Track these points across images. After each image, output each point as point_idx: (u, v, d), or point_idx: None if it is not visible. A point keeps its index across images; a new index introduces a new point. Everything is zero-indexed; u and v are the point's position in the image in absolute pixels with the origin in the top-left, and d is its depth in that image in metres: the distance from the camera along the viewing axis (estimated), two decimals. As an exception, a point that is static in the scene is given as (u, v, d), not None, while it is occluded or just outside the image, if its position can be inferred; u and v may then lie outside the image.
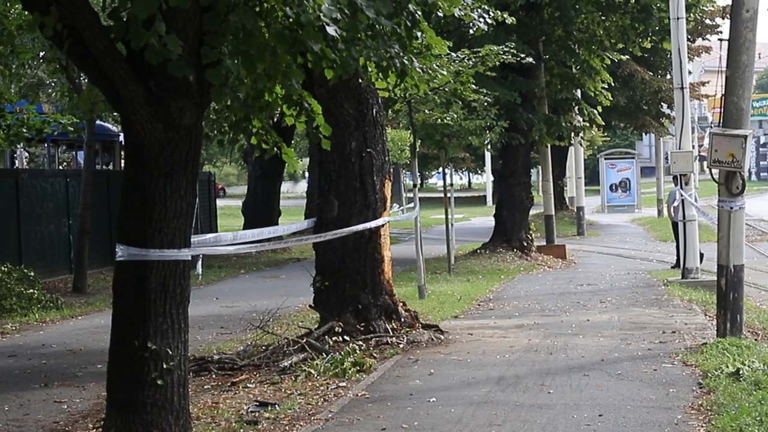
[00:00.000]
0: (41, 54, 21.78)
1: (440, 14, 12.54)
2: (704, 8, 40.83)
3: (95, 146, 28.23)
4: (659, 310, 20.53)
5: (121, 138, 32.71)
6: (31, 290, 22.58)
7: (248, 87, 9.87)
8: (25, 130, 23.98)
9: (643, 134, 70.83)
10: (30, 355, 17.16)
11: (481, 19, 15.15)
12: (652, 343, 16.32)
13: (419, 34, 11.45)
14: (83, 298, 24.24)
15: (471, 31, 16.02)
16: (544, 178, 40.76)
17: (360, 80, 14.73)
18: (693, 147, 26.02)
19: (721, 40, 17.68)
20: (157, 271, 9.33)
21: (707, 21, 45.73)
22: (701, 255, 29.48)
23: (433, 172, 54.92)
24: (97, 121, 25.58)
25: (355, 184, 16.65)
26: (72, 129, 28.71)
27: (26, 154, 37.66)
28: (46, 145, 36.31)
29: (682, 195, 25.84)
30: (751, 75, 16.42)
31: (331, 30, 9.26)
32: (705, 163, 19.14)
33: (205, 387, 13.42)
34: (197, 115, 9.63)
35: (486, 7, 15.08)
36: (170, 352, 9.34)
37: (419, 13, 10.89)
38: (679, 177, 26.17)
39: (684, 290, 23.46)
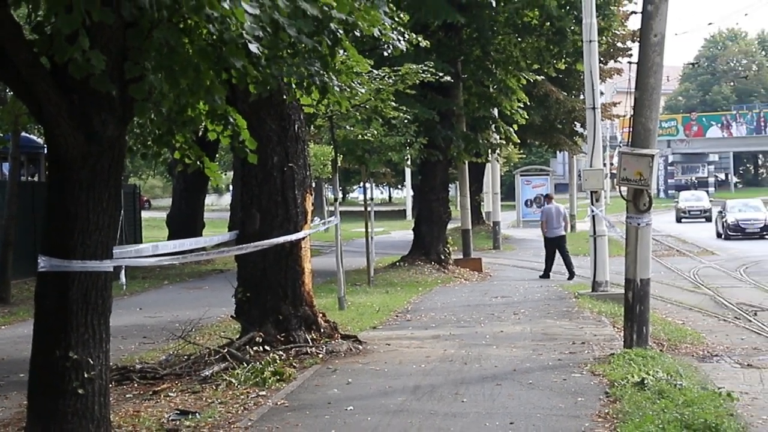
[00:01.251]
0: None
1: (359, 33, 12.59)
2: (616, 32, 41.27)
3: (20, 158, 28.02)
4: (570, 321, 20.71)
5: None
6: (-45, 300, 22.35)
7: (171, 102, 9.85)
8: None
9: (557, 152, 71.46)
10: (-47, 363, 17.03)
11: (401, 39, 15.23)
12: (563, 354, 16.47)
13: (341, 52, 11.50)
14: (6, 308, 24.05)
15: (387, 52, 16.03)
16: (462, 193, 40.99)
17: (284, 96, 14.74)
18: (604, 165, 26.32)
19: (630, 62, 18.13)
20: (79, 282, 9.27)
21: (618, 44, 46.26)
22: (572, 274, 30.46)
23: (355, 187, 55.14)
24: (23, 134, 25.36)
25: (277, 198, 16.66)
26: (-1, 141, 28.62)
27: (-47, 166, 37.31)
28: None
29: (593, 211, 26.09)
30: (659, 97, 16.68)
31: (253, 47, 9.26)
32: (615, 180, 19.37)
33: (127, 396, 13.35)
34: (120, 128, 9.60)
35: (401, 29, 15.06)
36: (91, 362, 9.28)
37: (341, 32, 10.93)
38: (591, 194, 26.46)
39: (594, 303, 23.71)
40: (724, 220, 56.12)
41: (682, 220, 76.91)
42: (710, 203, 76.22)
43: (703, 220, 73.93)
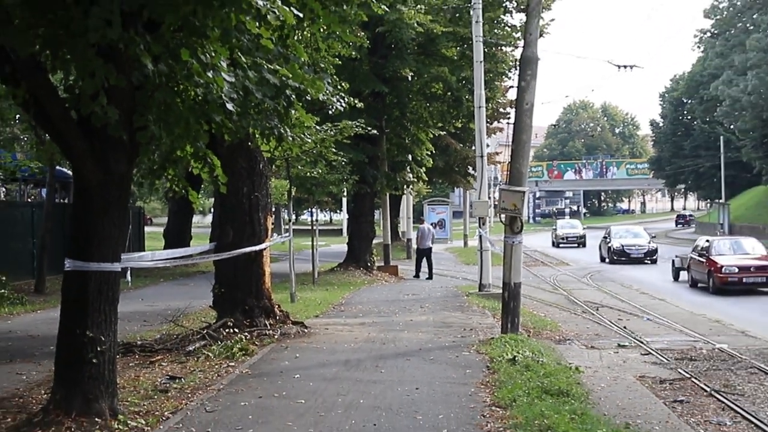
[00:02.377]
0: (17, 116, 21.39)
1: (309, 98, 12.58)
2: (498, 101, 41.63)
3: (55, 185, 27.77)
4: (462, 313, 20.75)
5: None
6: (2, 290, 22.11)
7: (167, 145, 9.79)
8: (1, 172, 23.71)
9: (455, 187, 71.59)
10: (-1, 338, 16.77)
11: (339, 102, 15.29)
12: (456, 337, 16.50)
13: (294, 111, 11.50)
14: (42, 297, 23.73)
15: (331, 111, 16.07)
16: (384, 217, 41.06)
17: (250, 143, 14.73)
18: (489, 198, 26.42)
19: (509, 123, 18.33)
20: (95, 279, 9.22)
21: (501, 109, 46.51)
22: (431, 276, 32.00)
23: (304, 211, 54.95)
24: (57, 167, 25.14)
25: (246, 219, 16.62)
26: (38, 172, 28.49)
27: (3, 190, 36.96)
28: (18, 183, 35.89)
29: (480, 232, 26.24)
30: (529, 149, 16.85)
31: (229, 106, 9.25)
32: (497, 209, 19.45)
33: (130, 365, 13.20)
34: (129, 165, 9.60)
35: (341, 95, 15.10)
36: (103, 339, 9.22)
37: (294, 96, 10.93)
38: (479, 219, 26.62)
39: (480, 300, 23.81)
40: (609, 245, 46.30)
41: (560, 245, 63.63)
42: (584, 230, 66.46)
43: (577, 245, 63.01)
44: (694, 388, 13.21)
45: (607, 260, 46.42)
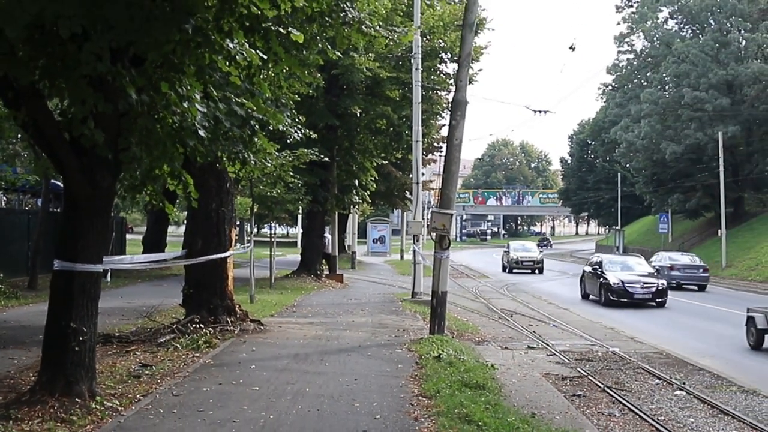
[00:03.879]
0: (18, 135, 21.14)
1: (270, 128, 12.57)
2: (433, 136, 41.81)
3: (49, 196, 27.47)
4: (397, 316, 20.76)
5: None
6: (0, 286, 21.80)
7: (146, 165, 9.72)
8: (3, 183, 23.54)
9: (394, 209, 71.67)
10: (-6, 328, 16.44)
11: (297, 132, 15.29)
12: (391, 337, 16.49)
13: (257, 139, 11.48)
14: (34, 292, 23.29)
15: (289, 140, 16.05)
16: (332, 233, 41.01)
17: (218, 164, 14.65)
18: (423, 219, 26.50)
19: (441, 156, 18.45)
20: (79, 278, 9.12)
21: (435, 144, 46.67)
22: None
23: (265, 225, 54.62)
24: (51, 180, 24.85)
25: (213, 230, 16.55)
26: (34, 184, 28.15)
27: (4, 199, 36.46)
28: (17, 193, 35.51)
29: (414, 248, 26.29)
30: (457, 178, 17.01)
31: (202, 132, 9.25)
32: (429, 228, 19.52)
33: (108, 353, 13.00)
34: (113, 181, 9.53)
35: (299, 126, 15.09)
36: (85, 330, 9.11)
37: (257, 126, 10.91)
38: (413, 236, 26.68)
39: (412, 305, 23.83)
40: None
41: (513, 270, 50.69)
42: (541, 254, 53.73)
43: (532, 271, 50.88)
44: (590, 385, 13.37)
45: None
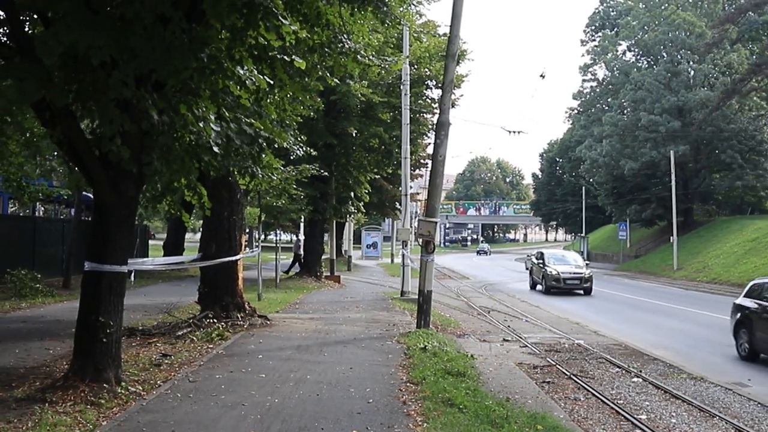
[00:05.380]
0: (54, 152, 21.14)
1: (276, 146, 12.57)
2: (420, 154, 41.78)
3: (81, 206, 27.47)
4: (387, 312, 20.71)
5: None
6: (38, 285, 21.84)
7: (166, 178, 9.71)
8: (41, 195, 23.67)
9: (386, 218, 71.61)
10: (34, 321, 16.34)
11: (299, 150, 15.31)
12: (382, 330, 16.44)
13: (264, 155, 11.48)
14: (68, 291, 23.24)
15: (292, 156, 16.06)
16: (331, 238, 40.95)
17: (230, 178, 14.64)
18: (411, 227, 26.42)
19: (427, 170, 18.54)
20: (107, 277, 9.08)
21: (422, 160, 46.57)
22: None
23: (271, 232, 54.27)
24: (83, 192, 24.82)
25: (225, 236, 16.49)
26: (68, 196, 28.16)
27: (42, 209, 36.46)
28: (53, 204, 35.49)
29: (403, 252, 26.27)
30: (441, 190, 16.94)
31: (215, 149, 9.23)
32: (416, 235, 19.49)
33: (133, 344, 12.95)
34: (137, 192, 9.50)
35: (301, 144, 15.09)
36: (111, 323, 9.08)
37: (264, 144, 10.92)
38: (402, 242, 26.65)
39: (402, 303, 23.76)
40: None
41: (551, 292, 32.66)
42: (588, 270, 34.47)
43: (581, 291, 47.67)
44: (558, 373, 13.36)
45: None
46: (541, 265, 34.20)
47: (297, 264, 36.96)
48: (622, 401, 11.19)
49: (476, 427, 7.93)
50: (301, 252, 34.99)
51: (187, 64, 7.96)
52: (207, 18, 8.22)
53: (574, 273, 32.84)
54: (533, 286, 34.06)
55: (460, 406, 8.80)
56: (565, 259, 34.73)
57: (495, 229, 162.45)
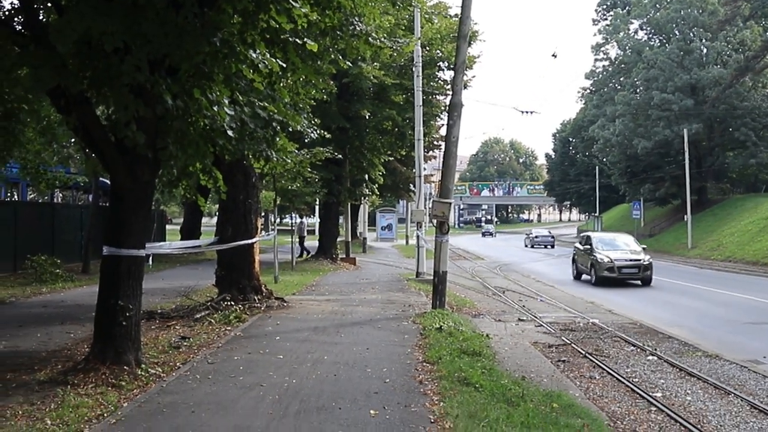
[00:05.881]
0: (72, 139, 21.25)
1: (290, 129, 12.56)
2: (433, 135, 41.65)
3: (98, 192, 27.62)
4: (403, 294, 20.73)
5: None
6: (58, 270, 22.07)
7: (182, 162, 9.72)
8: (58, 182, 23.81)
9: (400, 200, 71.55)
10: (55, 306, 16.50)
11: (313, 133, 15.28)
12: (398, 311, 16.46)
13: (278, 139, 11.47)
14: (87, 276, 23.46)
15: (306, 140, 16.04)
16: (346, 221, 40.99)
17: (245, 161, 14.64)
18: (425, 208, 26.42)
19: (440, 152, 18.48)
20: (125, 262, 9.12)
21: (435, 142, 46.42)
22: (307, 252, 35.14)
23: (286, 215, 54.47)
24: (100, 178, 24.95)
25: (241, 219, 16.51)
26: (86, 182, 28.32)
27: (60, 195, 36.67)
28: (71, 190, 35.70)
29: (418, 233, 26.28)
30: (455, 171, 16.94)
31: (230, 132, 9.22)
32: (431, 216, 19.45)
33: (152, 327, 13.04)
34: (152, 176, 9.52)
35: (315, 127, 15.04)
36: (131, 307, 9.13)
37: (278, 127, 10.90)
38: (417, 223, 26.64)
39: (417, 284, 23.78)
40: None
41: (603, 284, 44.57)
42: (648, 256, 30.56)
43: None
44: (573, 352, 13.32)
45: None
46: (589, 251, 28.37)
47: (301, 246, 37.53)
48: (637, 379, 11.15)
49: (492, 405, 7.93)
50: (305, 234, 35.19)
51: (199, 49, 7.93)
52: (219, 2, 8.19)
53: (631, 260, 26.93)
54: (578, 276, 29.15)
55: (476, 385, 8.80)
56: (615, 243, 28.75)
57: (509, 210, 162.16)
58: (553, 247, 61.84)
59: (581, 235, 30.65)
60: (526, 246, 65.73)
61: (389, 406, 7.84)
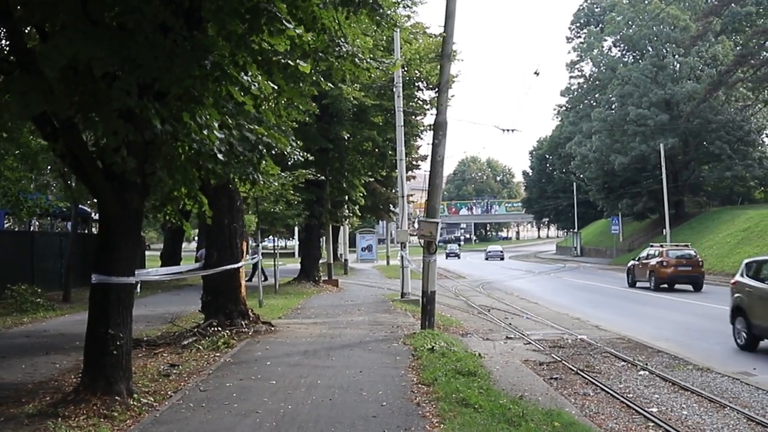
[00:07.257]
0: (48, 167, 21.01)
1: (274, 151, 12.47)
2: (413, 156, 41.75)
3: (78, 219, 27.26)
4: (390, 315, 20.61)
5: (93, 214, 32.03)
6: (38, 299, 21.59)
7: (168, 186, 9.62)
8: (37, 210, 23.53)
9: (380, 221, 71.48)
10: (38, 336, 16.12)
11: (298, 155, 15.20)
12: (387, 332, 16.35)
13: (264, 162, 11.38)
14: (68, 304, 23.05)
15: (290, 162, 16.00)
16: (327, 243, 40.86)
17: (230, 185, 14.53)
18: (408, 227, 26.37)
19: (422, 171, 18.50)
20: (115, 289, 8.93)
21: (414, 162, 46.44)
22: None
23: (265, 238, 54.03)
24: (79, 206, 24.68)
25: (226, 243, 16.38)
26: (64, 209, 27.99)
27: (38, 223, 36.25)
28: (49, 218, 35.30)
29: (402, 254, 26.20)
30: (441, 190, 16.90)
31: (220, 156, 9.14)
32: (417, 236, 19.36)
33: (139, 355, 12.77)
34: (141, 202, 9.36)
35: (298, 150, 14.94)
36: (121, 335, 8.91)
37: (264, 150, 10.81)
38: (400, 244, 26.60)
39: (403, 304, 23.67)
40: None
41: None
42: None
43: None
44: (565, 369, 13.28)
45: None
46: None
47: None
48: (631, 395, 11.12)
49: (494, 426, 7.84)
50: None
51: (190, 72, 7.86)
52: (208, 24, 8.14)
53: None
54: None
55: (475, 406, 8.70)
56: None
57: (488, 228, 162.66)
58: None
59: (746, 263, 18.04)
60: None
61: (389, 430, 7.73)
